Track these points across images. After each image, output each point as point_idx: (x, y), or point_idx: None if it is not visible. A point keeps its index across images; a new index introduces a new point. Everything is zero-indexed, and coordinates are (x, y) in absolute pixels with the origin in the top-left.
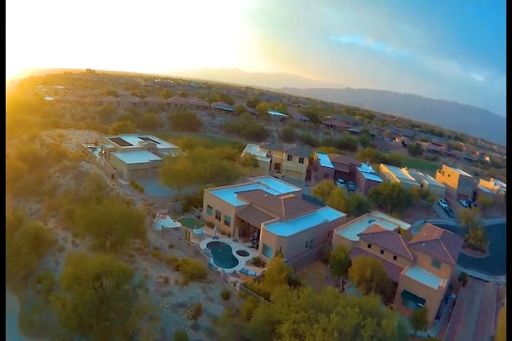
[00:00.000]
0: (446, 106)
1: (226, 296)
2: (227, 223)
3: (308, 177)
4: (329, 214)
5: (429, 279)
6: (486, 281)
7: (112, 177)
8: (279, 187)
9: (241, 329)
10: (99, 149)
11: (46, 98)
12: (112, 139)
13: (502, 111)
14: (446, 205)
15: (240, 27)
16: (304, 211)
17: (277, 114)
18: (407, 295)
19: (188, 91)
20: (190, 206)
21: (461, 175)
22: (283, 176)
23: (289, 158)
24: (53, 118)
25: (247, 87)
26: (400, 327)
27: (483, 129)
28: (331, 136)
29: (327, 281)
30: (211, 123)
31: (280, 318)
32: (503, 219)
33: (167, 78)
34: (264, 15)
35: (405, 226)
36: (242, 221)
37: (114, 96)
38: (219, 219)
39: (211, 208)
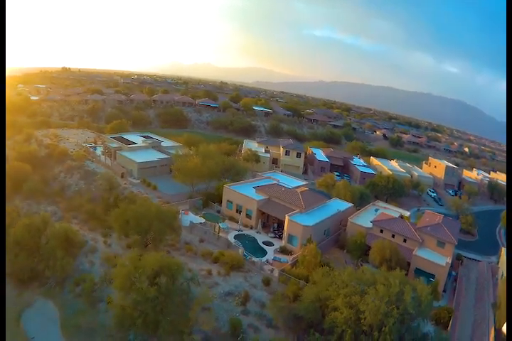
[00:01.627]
0: (420, 97)
1: (267, 282)
2: (248, 216)
3: (305, 171)
4: (339, 204)
5: (436, 257)
6: (478, 261)
7: (122, 176)
8: (288, 181)
9: (290, 310)
10: (100, 148)
11: (31, 97)
12: (114, 138)
13: (476, 102)
14: (434, 194)
15: (211, 22)
16: (318, 202)
17: (261, 109)
18: (419, 272)
19: (167, 88)
20: (208, 201)
21: (447, 166)
22: (281, 170)
23: (287, 152)
24: (42, 118)
25: (221, 82)
26: (427, 293)
27: (458, 120)
28: (315, 130)
29: (347, 264)
30: (198, 119)
31: (328, 295)
32: (487, 207)
33: (142, 75)
34: (236, 10)
35: (406, 213)
36: (263, 213)
37: (99, 94)
38: (239, 213)
39: (231, 203)
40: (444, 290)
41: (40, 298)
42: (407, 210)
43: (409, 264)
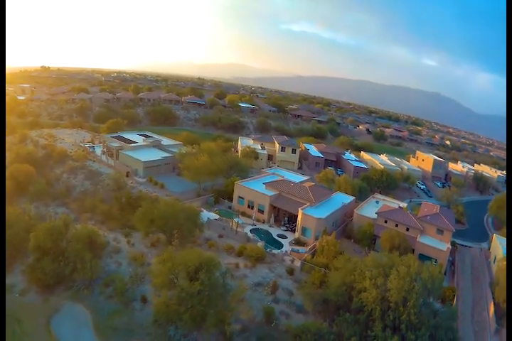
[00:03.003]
0: (398, 91)
1: (291, 272)
2: (260, 211)
3: (300, 167)
4: (342, 198)
5: (437, 243)
6: (470, 247)
7: (127, 176)
8: (291, 177)
9: (319, 295)
10: (99, 148)
11: (19, 97)
12: (114, 137)
13: (454, 94)
14: (424, 186)
15: (188, 19)
16: (324, 196)
17: (247, 105)
18: (423, 257)
19: (148, 85)
20: (219, 198)
21: (435, 159)
22: (278, 166)
23: (283, 149)
24: (32, 118)
25: (199, 78)
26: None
27: (436, 112)
28: (301, 126)
29: (356, 252)
30: (186, 117)
31: (353, 279)
32: (474, 197)
33: (122, 72)
34: (215, 6)
35: (403, 204)
36: (274, 208)
37: (86, 93)
38: (251, 208)
39: (242, 198)
40: (444, 273)
41: (68, 302)
42: (400, 202)
43: (413, 251)
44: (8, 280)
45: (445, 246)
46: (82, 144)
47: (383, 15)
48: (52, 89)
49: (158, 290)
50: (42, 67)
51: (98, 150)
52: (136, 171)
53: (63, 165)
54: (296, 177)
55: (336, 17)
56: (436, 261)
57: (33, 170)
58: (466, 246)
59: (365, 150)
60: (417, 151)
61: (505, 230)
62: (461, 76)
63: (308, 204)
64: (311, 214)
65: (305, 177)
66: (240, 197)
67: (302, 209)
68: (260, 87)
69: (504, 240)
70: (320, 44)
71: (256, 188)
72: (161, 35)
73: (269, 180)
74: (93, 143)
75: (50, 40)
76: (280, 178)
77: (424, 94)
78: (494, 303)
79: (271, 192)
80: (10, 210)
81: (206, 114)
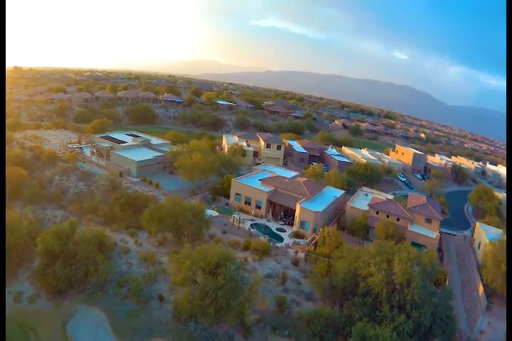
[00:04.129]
0: (368, 84)
1: (296, 263)
2: (258, 207)
3: (285, 163)
4: (333, 191)
5: (426, 232)
6: (454, 235)
7: (120, 176)
8: (282, 173)
9: (327, 282)
10: (87, 148)
11: None
12: (102, 137)
13: (425, 87)
14: (405, 179)
15: (156, 16)
16: (317, 190)
17: (225, 102)
18: (414, 244)
19: (122, 83)
20: (216, 195)
21: (415, 152)
22: (263, 163)
23: (268, 146)
24: (12, 119)
25: (170, 76)
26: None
27: (408, 105)
28: (279, 122)
29: (351, 242)
30: (165, 115)
31: (358, 266)
32: (453, 188)
33: (94, 71)
34: (181, 3)
35: (390, 196)
36: (270, 203)
37: (64, 92)
38: (249, 204)
39: (239, 195)
40: None
41: (82, 305)
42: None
43: (404, 239)
44: (15, 287)
45: (434, 234)
46: (70, 145)
47: (354, 10)
48: (29, 90)
49: (178, 287)
50: (15, 67)
51: (87, 151)
52: (128, 171)
53: (54, 167)
54: (287, 173)
55: (306, 13)
56: (426, 248)
57: (26, 172)
58: (450, 234)
59: (344, 145)
60: (396, 145)
61: (486, 219)
62: (432, 69)
63: (304, 198)
64: (309, 208)
65: (295, 173)
66: (237, 193)
67: (300, 204)
68: (231, 83)
69: (487, 227)
70: (290, 39)
71: (253, 185)
72: (128, 33)
73: (264, 177)
74: (80, 143)
75: (20, 39)
76: (273, 175)
77: (396, 88)
78: (483, 284)
79: (267, 188)
80: (10, 215)
81: (185, 112)
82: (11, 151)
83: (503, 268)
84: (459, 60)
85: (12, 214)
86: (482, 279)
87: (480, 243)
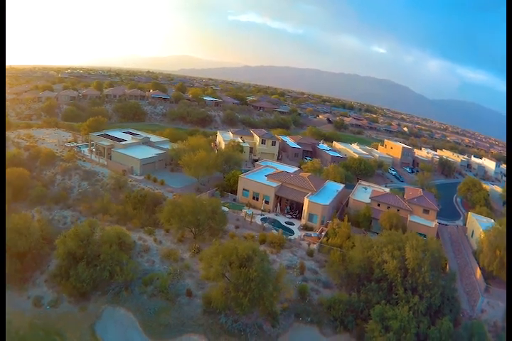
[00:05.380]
0: (346, 78)
1: (311, 254)
2: (266, 201)
3: (280, 158)
4: (334, 185)
5: (425, 221)
6: (446, 225)
7: (124, 174)
8: (282, 168)
9: (343, 270)
10: (85, 147)
11: None
12: (101, 136)
13: (405, 81)
14: (395, 172)
15: (133, 12)
16: (320, 184)
17: (211, 99)
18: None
19: (105, 80)
20: (222, 191)
21: (403, 147)
22: (259, 158)
23: (263, 141)
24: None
25: (149, 72)
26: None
27: (388, 99)
28: (265, 118)
29: (356, 233)
30: (154, 112)
31: (371, 254)
32: (440, 181)
33: (75, 68)
34: None
35: (387, 190)
36: (277, 198)
37: (50, 91)
38: (256, 200)
39: (247, 191)
40: None
41: (108, 306)
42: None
43: (405, 229)
44: (33, 292)
45: (433, 224)
46: (67, 144)
47: (333, 5)
48: (14, 88)
49: (206, 282)
50: None
51: (84, 150)
52: (131, 169)
53: (53, 167)
54: (287, 169)
55: (285, 8)
56: (425, 236)
57: (28, 173)
58: (442, 223)
59: (333, 140)
60: (385, 140)
61: (477, 209)
62: (412, 62)
63: (310, 192)
64: (317, 202)
65: (295, 168)
66: (244, 189)
67: (308, 198)
68: (210, 79)
69: (479, 217)
70: (268, 34)
71: (260, 180)
72: (105, 29)
73: (268, 173)
74: (77, 142)
75: None
76: (277, 170)
77: (375, 82)
78: (480, 268)
79: (274, 184)
80: (20, 218)
81: (172, 108)
82: (7, 151)
83: (499, 253)
84: (439, 54)
85: (23, 217)
86: (479, 264)
87: (473, 231)
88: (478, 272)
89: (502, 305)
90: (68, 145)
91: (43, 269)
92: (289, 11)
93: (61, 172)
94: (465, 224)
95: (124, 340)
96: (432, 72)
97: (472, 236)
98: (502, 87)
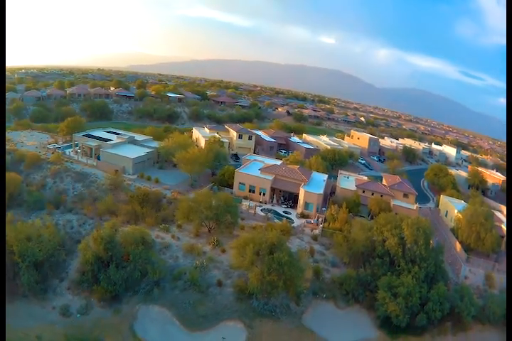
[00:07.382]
0: (293, 69)
1: (315, 238)
2: (262, 194)
3: (255, 152)
4: (319, 176)
5: (407, 205)
6: (420, 207)
7: (116, 174)
8: (269, 161)
9: (349, 250)
10: (67, 148)
11: None
12: (85, 136)
13: (354, 71)
14: (364, 161)
15: (81, 8)
16: (309, 175)
17: (174, 95)
18: None
19: (60, 79)
20: (220, 186)
21: (370, 137)
22: (236, 153)
23: (240, 136)
24: None
25: (99, 69)
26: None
27: (338, 89)
28: (228, 112)
29: None
30: (119, 110)
31: (373, 234)
32: (406, 167)
33: (28, 68)
34: None
35: (364, 178)
36: (272, 190)
37: (14, 92)
38: (253, 193)
39: (243, 184)
40: None
41: (141, 306)
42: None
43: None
44: (57, 301)
45: (414, 206)
46: (49, 146)
47: None
48: None
49: (235, 271)
50: None
51: (67, 151)
52: (123, 169)
53: (41, 170)
54: (273, 162)
55: (233, 0)
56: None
57: (20, 178)
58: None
59: (300, 133)
60: (352, 130)
61: (447, 192)
62: (361, 52)
63: (302, 183)
64: (312, 191)
65: (279, 162)
66: (240, 183)
67: (303, 188)
68: (160, 74)
69: (451, 199)
70: (217, 27)
71: (255, 174)
72: (46, 27)
73: (260, 167)
74: (57, 143)
75: None
76: (267, 164)
77: (324, 72)
78: (459, 242)
79: (269, 177)
80: (29, 225)
81: (137, 106)
82: None
83: (475, 228)
84: (389, 43)
85: (30, 224)
86: (458, 238)
87: (447, 212)
88: (458, 245)
89: (482, 271)
90: (50, 147)
91: (61, 277)
92: (238, 3)
93: (51, 175)
94: (437, 206)
95: (164, 336)
96: (382, 61)
97: (446, 216)
98: (451, 73)
